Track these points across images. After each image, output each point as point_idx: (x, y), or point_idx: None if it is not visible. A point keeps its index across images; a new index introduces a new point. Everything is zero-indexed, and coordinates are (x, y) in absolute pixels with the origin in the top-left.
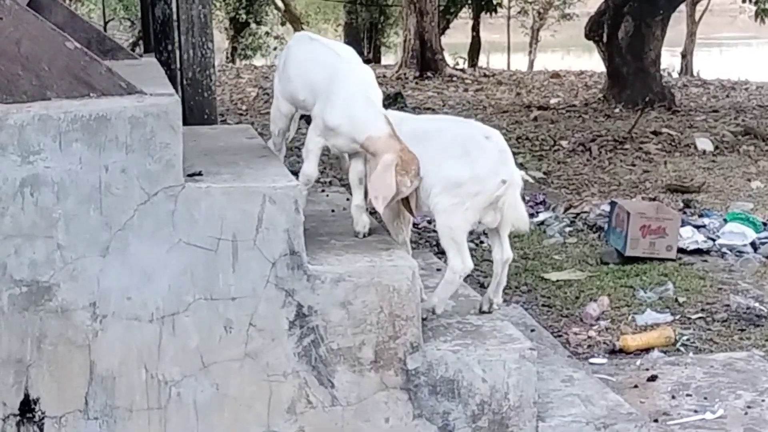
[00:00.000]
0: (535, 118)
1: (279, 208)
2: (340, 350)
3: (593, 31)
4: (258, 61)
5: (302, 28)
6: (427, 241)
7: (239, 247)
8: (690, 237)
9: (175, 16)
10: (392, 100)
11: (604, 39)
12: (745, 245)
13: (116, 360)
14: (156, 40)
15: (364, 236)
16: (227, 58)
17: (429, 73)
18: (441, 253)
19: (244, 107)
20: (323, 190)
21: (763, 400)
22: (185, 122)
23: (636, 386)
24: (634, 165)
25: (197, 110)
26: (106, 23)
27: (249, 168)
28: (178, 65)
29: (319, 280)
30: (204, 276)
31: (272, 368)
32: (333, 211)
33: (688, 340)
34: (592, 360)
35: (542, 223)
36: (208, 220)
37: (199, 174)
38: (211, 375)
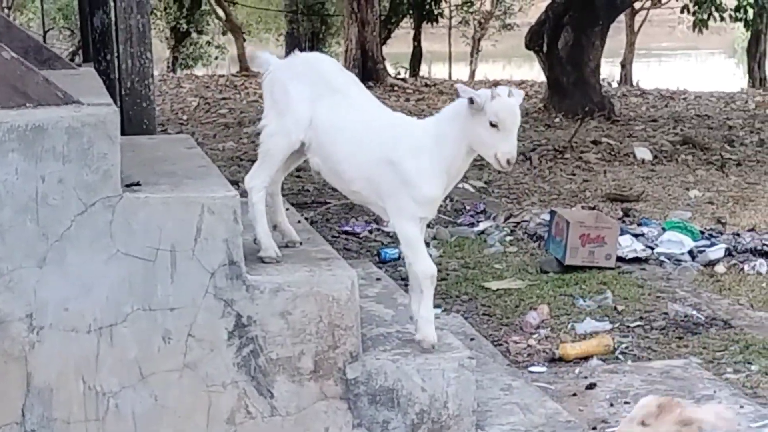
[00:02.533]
0: None
1: (218, 218)
2: (279, 360)
3: (533, 41)
4: (199, 70)
5: (244, 39)
6: (368, 250)
7: (178, 257)
8: (629, 246)
9: (114, 26)
10: None
11: (545, 49)
12: (683, 254)
13: (54, 371)
14: (95, 50)
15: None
16: (168, 67)
17: (370, 83)
18: (381, 262)
19: (185, 117)
20: None
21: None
22: (124, 132)
23: (575, 394)
24: (574, 174)
25: (136, 120)
26: (45, 33)
27: (188, 178)
28: (117, 75)
29: (258, 291)
30: (142, 286)
31: (211, 379)
32: None
33: (626, 348)
34: (531, 368)
35: (483, 232)
36: (147, 230)
37: (138, 184)
38: (149, 386)
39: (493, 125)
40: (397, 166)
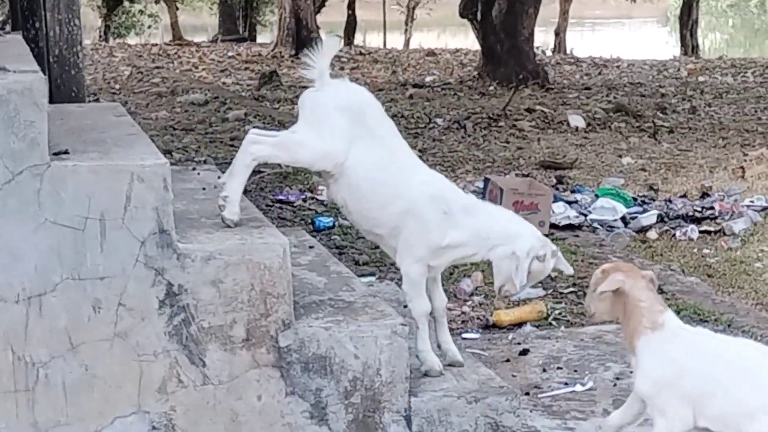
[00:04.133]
0: (411, 96)
1: (147, 186)
2: (211, 329)
3: (467, 9)
4: (132, 39)
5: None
6: (302, 219)
7: (107, 226)
8: (562, 212)
9: None
10: (267, 79)
11: (479, 17)
12: (615, 220)
13: None
14: (23, 18)
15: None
16: (100, 36)
17: (305, 52)
18: (316, 231)
19: (117, 86)
20: (194, 169)
21: (631, 372)
22: (52, 100)
23: (508, 360)
24: (508, 142)
25: (64, 88)
26: None
27: (117, 146)
28: (45, 43)
29: (189, 259)
30: (72, 256)
31: (142, 348)
32: (204, 189)
33: (559, 314)
34: (464, 335)
35: None
36: (76, 199)
37: (66, 152)
38: (79, 356)
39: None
40: (420, 215)
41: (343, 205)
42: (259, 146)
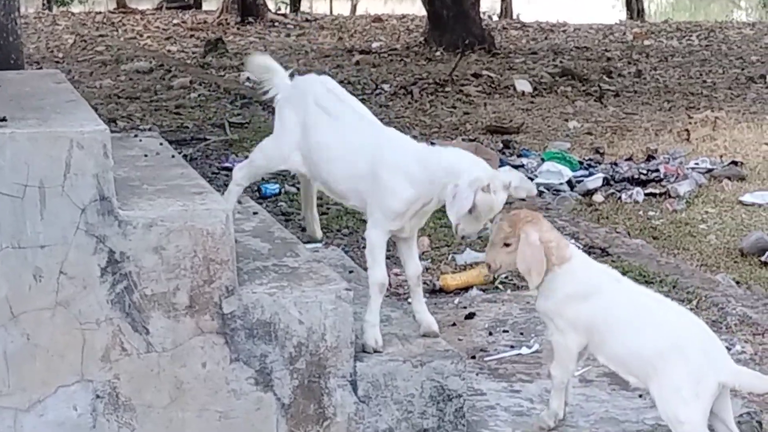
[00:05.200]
0: (357, 63)
1: (87, 153)
2: (154, 296)
3: None
4: (75, 7)
5: None
6: (248, 186)
7: (47, 193)
8: None
9: None
10: (213, 47)
11: None
12: (562, 184)
13: None
14: None
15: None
16: (44, 4)
17: (250, 19)
18: (262, 198)
19: (60, 55)
20: (136, 135)
21: None
22: None
23: (454, 324)
24: (454, 107)
25: (3, 55)
26: None
27: (56, 113)
28: None
29: (131, 226)
30: (11, 224)
31: (85, 316)
32: (146, 155)
33: (506, 277)
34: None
35: None
36: (14, 166)
37: (3, 120)
38: (20, 325)
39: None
40: (377, 178)
41: (321, 189)
42: (238, 166)
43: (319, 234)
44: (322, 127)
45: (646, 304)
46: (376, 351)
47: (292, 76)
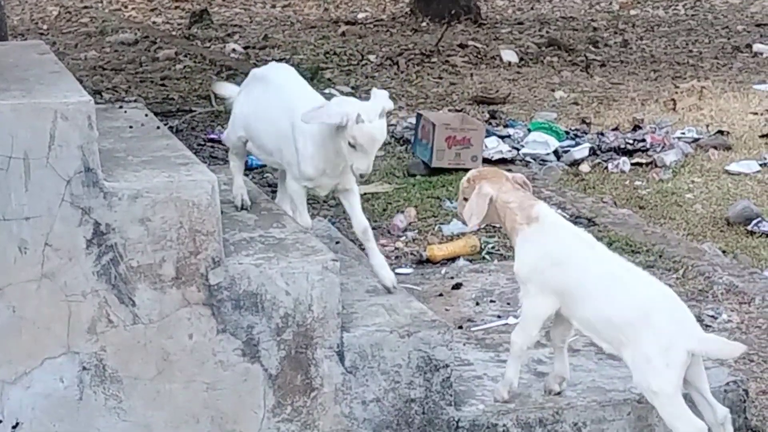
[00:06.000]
0: (343, 33)
1: (71, 124)
2: (140, 268)
3: None
4: None
5: None
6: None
7: (31, 165)
8: (495, 147)
9: None
10: (198, 18)
11: None
12: (548, 154)
13: None
14: None
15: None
16: None
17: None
18: (248, 169)
19: (45, 26)
20: (121, 107)
21: None
22: None
23: (441, 294)
24: (440, 78)
25: None
26: None
27: (40, 84)
28: None
29: (116, 197)
30: None
31: (71, 288)
32: (131, 127)
33: (492, 248)
34: (398, 270)
35: None
36: None
37: None
38: (6, 297)
39: (351, 145)
40: (294, 141)
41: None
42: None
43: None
44: (258, 92)
45: (617, 273)
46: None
47: None
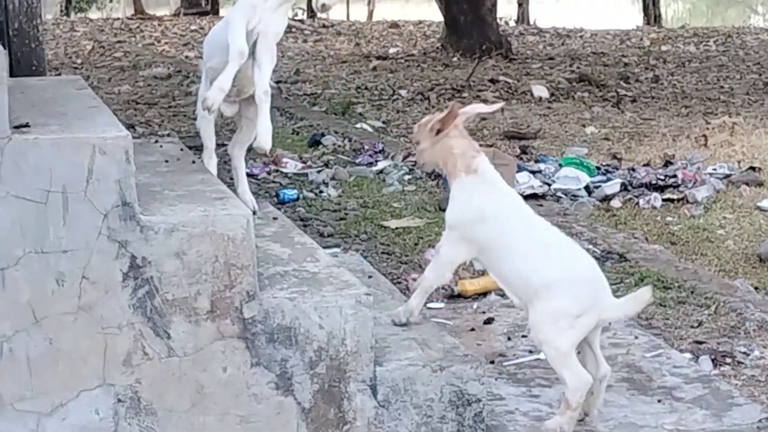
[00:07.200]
0: (375, 68)
1: (109, 158)
2: (175, 301)
3: None
4: (93, 14)
5: None
6: (266, 192)
7: (70, 199)
8: (526, 182)
9: None
10: None
11: None
12: (579, 189)
13: None
14: None
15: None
16: (62, 11)
17: None
18: (280, 203)
19: (79, 61)
20: (156, 141)
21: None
22: (12, 74)
23: (473, 329)
24: None
25: (25, 62)
26: None
27: (78, 119)
28: (5, 16)
29: (153, 231)
30: (34, 229)
31: (107, 321)
32: (166, 161)
33: None
34: (429, 305)
35: (381, 171)
36: (37, 172)
37: (26, 126)
38: (43, 329)
39: None
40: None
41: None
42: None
43: (251, 204)
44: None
45: (542, 237)
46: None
47: None
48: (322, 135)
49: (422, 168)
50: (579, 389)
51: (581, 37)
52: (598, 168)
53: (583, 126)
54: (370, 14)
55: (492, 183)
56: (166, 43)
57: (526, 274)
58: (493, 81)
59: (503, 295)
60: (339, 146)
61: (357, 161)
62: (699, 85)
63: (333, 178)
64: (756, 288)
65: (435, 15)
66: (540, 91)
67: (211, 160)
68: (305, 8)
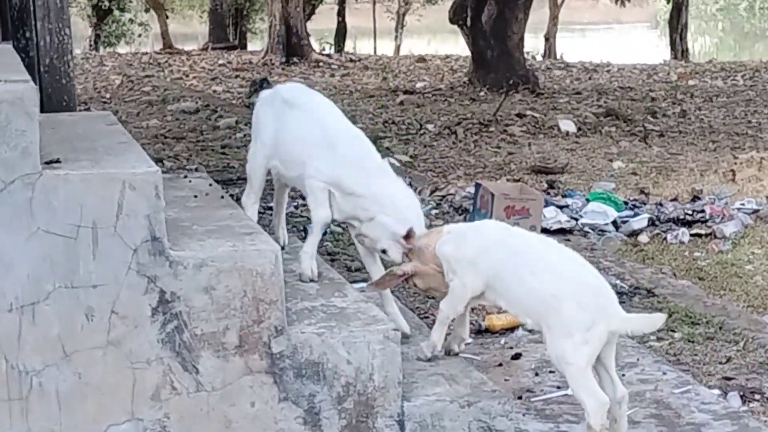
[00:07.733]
0: (402, 103)
1: (139, 194)
2: (204, 335)
3: (457, 15)
4: (122, 48)
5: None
6: (293, 226)
7: (99, 234)
8: (553, 217)
9: (32, 3)
10: (258, 86)
11: (468, 23)
12: (606, 224)
13: None
14: (13, 28)
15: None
16: (90, 45)
17: (295, 59)
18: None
19: (107, 95)
20: (185, 176)
21: (623, 375)
22: (43, 109)
23: (500, 364)
24: (499, 147)
25: (55, 97)
26: None
27: (108, 155)
28: (36, 52)
29: (182, 266)
30: (64, 264)
31: (136, 355)
32: (195, 196)
33: None
34: None
35: None
36: (67, 207)
37: (57, 161)
38: (73, 364)
39: None
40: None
41: (277, 171)
42: (244, 195)
43: (282, 239)
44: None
45: (546, 252)
46: (312, 281)
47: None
48: None
49: (432, 295)
50: (597, 411)
51: (608, 71)
52: (625, 203)
53: (611, 161)
54: (397, 48)
55: (470, 226)
56: (194, 77)
57: (537, 291)
58: (520, 115)
59: (531, 331)
60: None
61: None
62: (726, 120)
63: None
64: None
65: (462, 49)
66: (567, 125)
67: (254, 205)
68: (332, 42)
